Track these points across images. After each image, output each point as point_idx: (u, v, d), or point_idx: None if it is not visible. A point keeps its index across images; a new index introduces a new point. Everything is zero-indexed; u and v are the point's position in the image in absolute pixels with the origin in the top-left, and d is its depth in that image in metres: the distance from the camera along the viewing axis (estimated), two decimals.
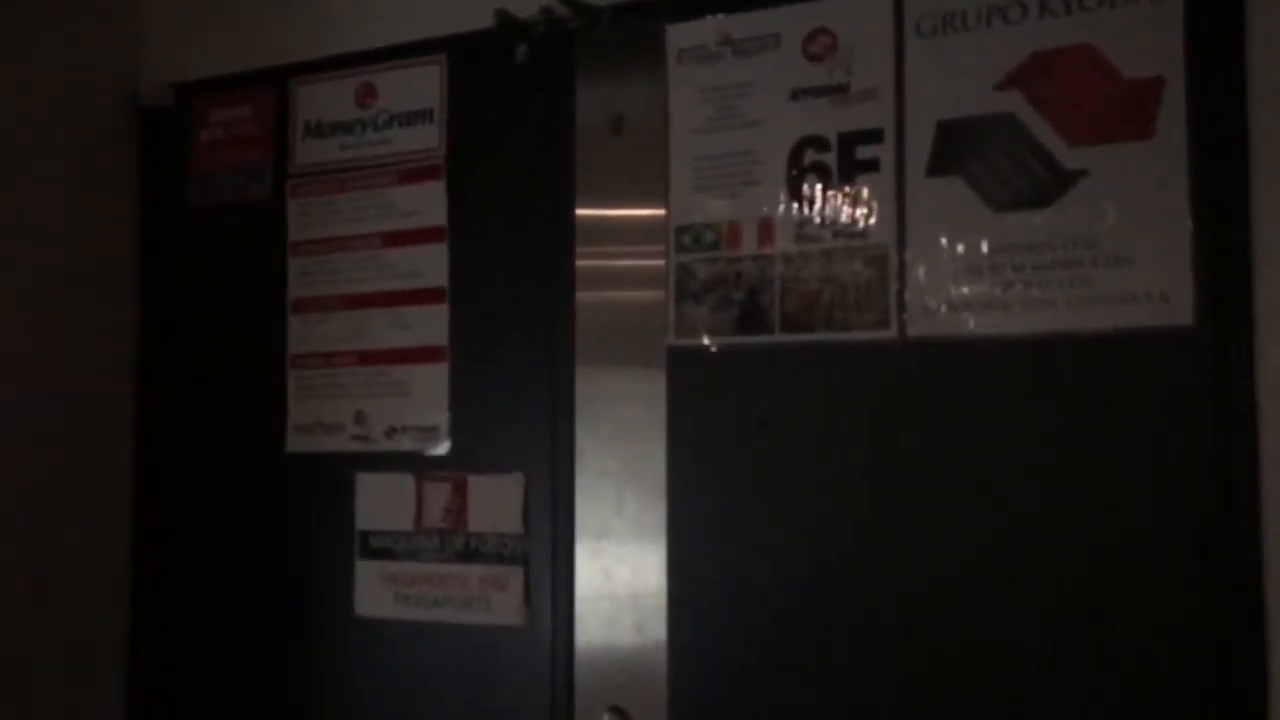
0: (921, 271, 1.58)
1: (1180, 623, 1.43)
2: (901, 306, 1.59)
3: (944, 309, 1.57)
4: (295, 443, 2.00)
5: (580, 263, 1.79)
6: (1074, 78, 1.52)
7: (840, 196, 1.63)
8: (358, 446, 1.94)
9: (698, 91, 1.73)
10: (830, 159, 1.64)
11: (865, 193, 1.62)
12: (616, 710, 1.71)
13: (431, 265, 1.91)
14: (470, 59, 1.90)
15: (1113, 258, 1.49)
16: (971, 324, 1.55)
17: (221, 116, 2.11)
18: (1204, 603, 1.42)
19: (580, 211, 1.80)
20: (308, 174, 2.03)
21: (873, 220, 1.61)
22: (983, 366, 1.55)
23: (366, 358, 1.95)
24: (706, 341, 1.70)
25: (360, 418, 1.94)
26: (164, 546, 2.10)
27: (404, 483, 1.90)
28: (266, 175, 2.06)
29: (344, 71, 2.00)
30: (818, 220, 1.65)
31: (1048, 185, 1.52)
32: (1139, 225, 1.47)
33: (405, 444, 1.90)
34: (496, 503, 1.82)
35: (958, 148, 1.57)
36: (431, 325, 1.90)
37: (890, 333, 1.59)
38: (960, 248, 1.56)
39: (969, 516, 1.54)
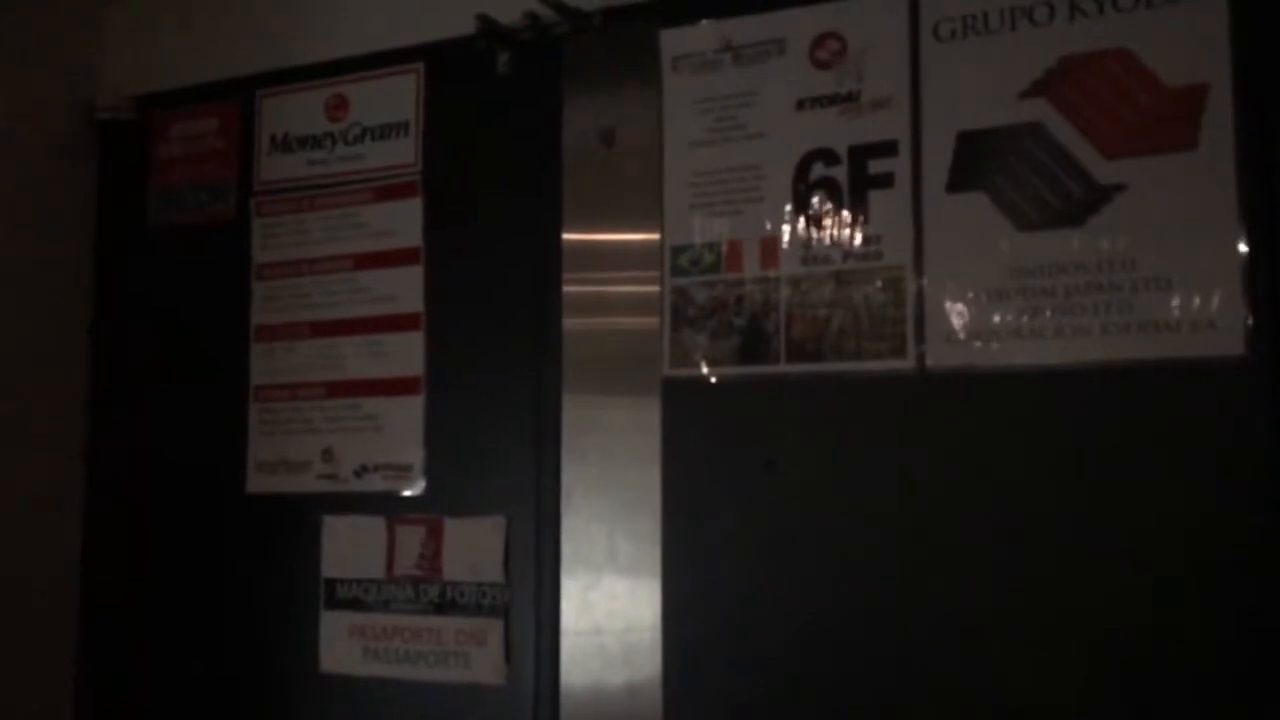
0: (941, 296, 1.52)
1: (1231, 673, 1.35)
2: (919, 335, 1.53)
3: (966, 337, 1.50)
4: (257, 482, 1.94)
5: (568, 287, 1.74)
6: (1108, 84, 1.47)
7: (851, 214, 1.58)
8: (325, 486, 1.89)
9: (695, 102, 1.69)
10: (840, 174, 1.59)
11: (879, 210, 1.56)
12: None
13: (406, 289, 1.86)
14: (449, 68, 1.86)
15: (1153, 280, 1.41)
16: (997, 353, 1.49)
17: (183, 130, 2.08)
18: (1261, 655, 1.33)
19: (568, 233, 1.75)
20: (274, 191, 1.99)
21: (887, 240, 1.55)
22: (1009, 400, 1.48)
23: (335, 389, 1.90)
24: (705, 372, 1.64)
25: (328, 455, 1.89)
26: (114, 593, 2.03)
27: (375, 526, 1.84)
28: (230, 192, 2.02)
29: (313, 82, 1.97)
30: (827, 240, 1.60)
31: (1080, 201, 1.46)
32: (1182, 244, 1.41)
33: (376, 484, 1.85)
34: (475, 548, 1.76)
35: (980, 161, 1.51)
36: (406, 354, 1.85)
37: (907, 363, 1.53)
38: (984, 270, 1.50)
39: (992, 563, 1.46)
